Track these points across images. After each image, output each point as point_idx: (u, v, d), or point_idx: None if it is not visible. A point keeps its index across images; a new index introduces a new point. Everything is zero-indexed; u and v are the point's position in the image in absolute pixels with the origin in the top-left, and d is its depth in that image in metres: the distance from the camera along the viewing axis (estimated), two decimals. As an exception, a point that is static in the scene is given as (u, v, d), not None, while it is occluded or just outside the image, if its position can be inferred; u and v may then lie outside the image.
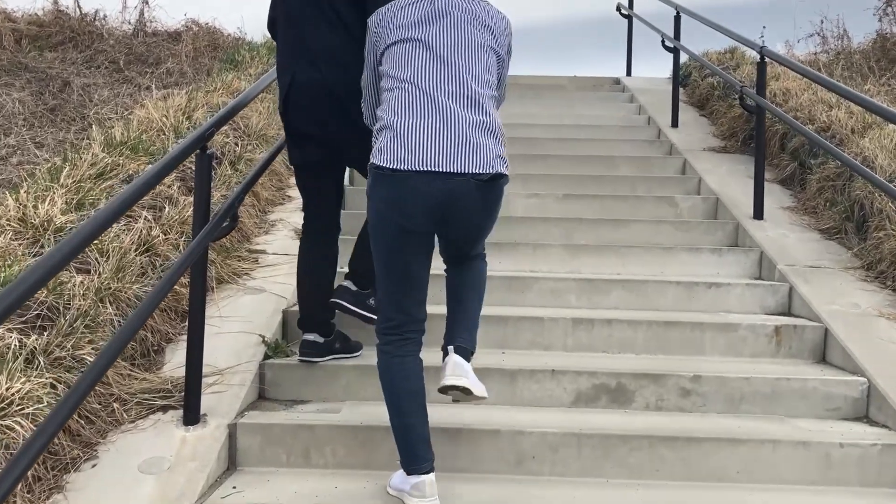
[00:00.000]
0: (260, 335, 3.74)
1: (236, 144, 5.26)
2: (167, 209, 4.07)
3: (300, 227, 4.94)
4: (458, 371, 2.78)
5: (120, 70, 6.88)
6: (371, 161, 2.71)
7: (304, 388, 3.57)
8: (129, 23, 7.93)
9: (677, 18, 7.52)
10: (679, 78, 7.74)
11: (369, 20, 2.92)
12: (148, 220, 3.94)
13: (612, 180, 6.17)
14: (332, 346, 3.62)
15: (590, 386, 3.55)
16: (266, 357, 3.66)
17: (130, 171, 4.29)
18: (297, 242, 4.83)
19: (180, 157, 3.02)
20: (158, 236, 3.84)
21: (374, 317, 2.98)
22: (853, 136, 5.46)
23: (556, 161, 6.57)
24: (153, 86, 6.39)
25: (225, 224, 3.26)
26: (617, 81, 9.49)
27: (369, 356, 3.60)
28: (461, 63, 2.75)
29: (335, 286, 3.63)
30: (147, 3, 7.91)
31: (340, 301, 3.55)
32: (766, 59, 5.36)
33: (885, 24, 8.26)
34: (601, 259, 4.89)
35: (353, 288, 3.60)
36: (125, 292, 3.44)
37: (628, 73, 9.99)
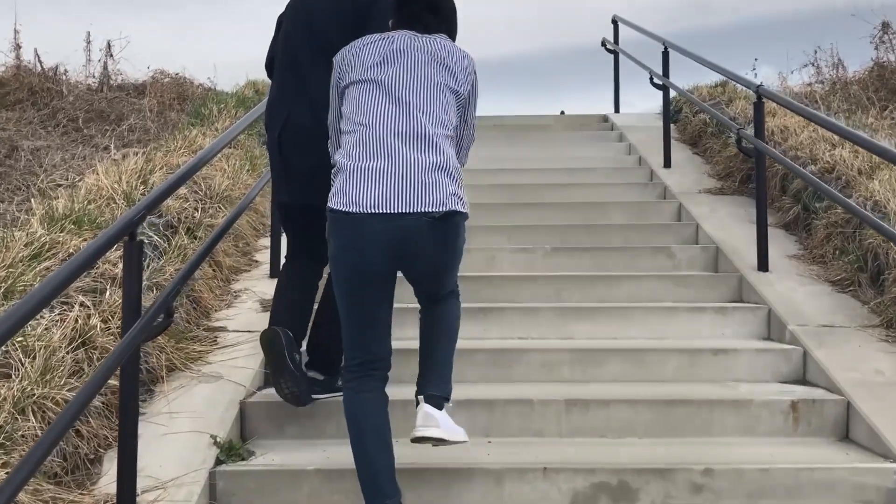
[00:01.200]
0: (212, 435, 3.30)
1: (196, 209, 4.86)
2: (109, 292, 3.65)
3: (267, 296, 4.57)
4: (430, 422, 2.80)
5: (79, 129, 6.49)
6: (328, 204, 2.73)
7: (260, 500, 3.13)
8: (94, 77, 7.59)
9: (665, 54, 7.19)
10: (670, 115, 7.38)
11: (334, 58, 2.96)
12: (85, 307, 3.51)
13: (603, 230, 5.77)
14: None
15: (588, 485, 3.12)
16: (218, 462, 3.21)
17: (72, 249, 3.88)
18: (264, 316, 4.46)
19: (103, 248, 2.61)
20: (96, 326, 3.42)
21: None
22: (860, 177, 5.09)
23: (543, 209, 6.19)
24: (112, 145, 6.01)
25: (158, 321, 2.83)
26: (605, 119, 9.15)
27: (336, 457, 3.18)
28: (416, 103, 2.79)
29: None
30: (111, 55, 7.56)
31: (314, 396, 3.48)
32: (764, 99, 4.98)
33: (882, 53, 7.95)
34: (595, 322, 4.48)
35: (320, 377, 3.55)
36: (53, 398, 3.01)
37: (616, 109, 9.66)
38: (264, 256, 5.08)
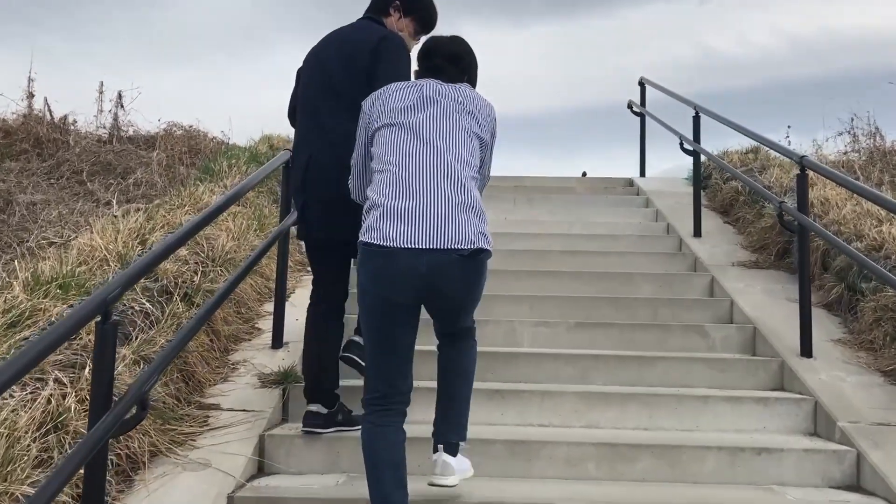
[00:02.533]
0: (192, 540, 2.93)
1: (195, 273, 4.54)
2: (88, 368, 3.31)
3: (267, 370, 4.22)
4: (447, 471, 3.01)
5: (82, 182, 6.24)
6: (360, 238, 2.86)
7: None
8: (105, 127, 7.37)
9: (696, 119, 6.89)
10: (700, 181, 7.04)
11: (363, 102, 3.14)
12: (61, 384, 3.17)
13: (630, 303, 5.40)
14: (335, 417, 3.71)
15: None
16: (197, 571, 2.84)
17: (54, 318, 3.55)
18: (262, 392, 4.11)
19: (70, 331, 2.28)
20: (71, 408, 3.07)
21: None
22: (912, 257, 4.70)
23: (566, 279, 5.83)
24: (114, 200, 5.74)
25: (130, 415, 2.49)
26: (630, 183, 8.83)
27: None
28: (445, 147, 2.94)
29: (344, 341, 3.79)
30: (122, 106, 7.35)
31: (351, 355, 3.76)
32: (807, 171, 4.64)
33: (922, 122, 7.58)
34: (624, 410, 4.08)
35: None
36: (12, 494, 2.65)
37: (642, 173, 9.34)
38: (267, 324, 4.75)
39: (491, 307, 5.13)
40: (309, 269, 5.94)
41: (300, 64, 3.94)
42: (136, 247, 4.56)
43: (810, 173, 4.80)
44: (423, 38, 3.46)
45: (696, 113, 6.88)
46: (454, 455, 3.04)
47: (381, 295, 2.84)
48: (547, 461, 3.63)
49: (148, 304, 3.98)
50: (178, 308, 4.09)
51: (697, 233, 6.70)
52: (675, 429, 4.03)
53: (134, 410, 2.50)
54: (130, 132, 7.56)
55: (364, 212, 2.94)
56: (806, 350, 4.50)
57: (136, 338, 3.77)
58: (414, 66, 3.35)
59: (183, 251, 4.72)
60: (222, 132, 7.67)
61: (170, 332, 3.91)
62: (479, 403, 3.79)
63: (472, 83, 3.25)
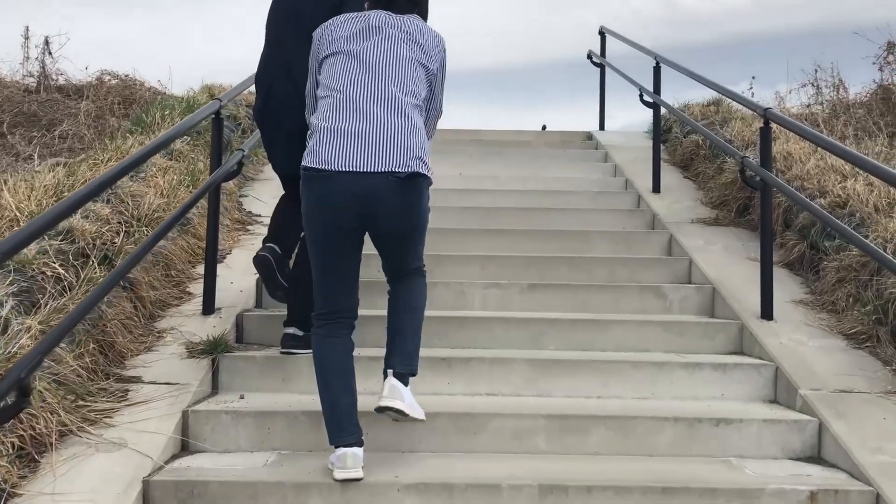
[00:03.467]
0: (99, 532, 2.65)
1: (118, 233, 4.19)
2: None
3: (197, 338, 3.93)
4: (395, 394, 2.98)
5: (2, 135, 5.79)
6: (302, 162, 2.93)
7: None
8: (33, 75, 6.86)
9: (657, 70, 6.61)
10: (660, 135, 6.79)
11: (314, 32, 3.19)
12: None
13: (587, 263, 5.16)
14: (284, 267, 3.89)
15: None
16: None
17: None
18: (189, 363, 3.82)
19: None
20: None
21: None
22: (878, 215, 4.51)
23: (521, 237, 5.57)
24: (36, 155, 5.32)
25: (5, 404, 2.18)
26: (589, 137, 8.56)
27: None
28: (388, 73, 2.99)
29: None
30: (49, 52, 6.84)
31: (291, 349, 3.80)
32: (772, 124, 4.40)
33: (887, 74, 7.41)
34: (576, 377, 3.86)
35: (300, 333, 3.79)
36: None
37: (601, 126, 9.07)
38: (200, 288, 4.41)
39: (441, 268, 4.87)
40: (248, 228, 5.63)
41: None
42: (53, 206, 4.18)
43: (774, 127, 4.57)
44: None
45: (657, 63, 6.60)
46: (404, 384, 3.04)
47: (323, 219, 2.91)
48: (494, 435, 3.39)
49: (61, 269, 3.64)
50: (94, 272, 3.75)
51: (656, 188, 6.47)
52: (630, 397, 3.82)
53: (13, 397, 2.19)
54: (61, 81, 7.08)
55: (308, 136, 3.01)
56: (766, 312, 4.31)
57: (46, 306, 3.43)
58: None
59: (105, 210, 4.36)
60: (159, 82, 7.23)
61: (82, 292, 3.57)
62: (425, 372, 3.53)
63: (423, 16, 3.28)
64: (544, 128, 12.93)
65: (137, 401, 3.41)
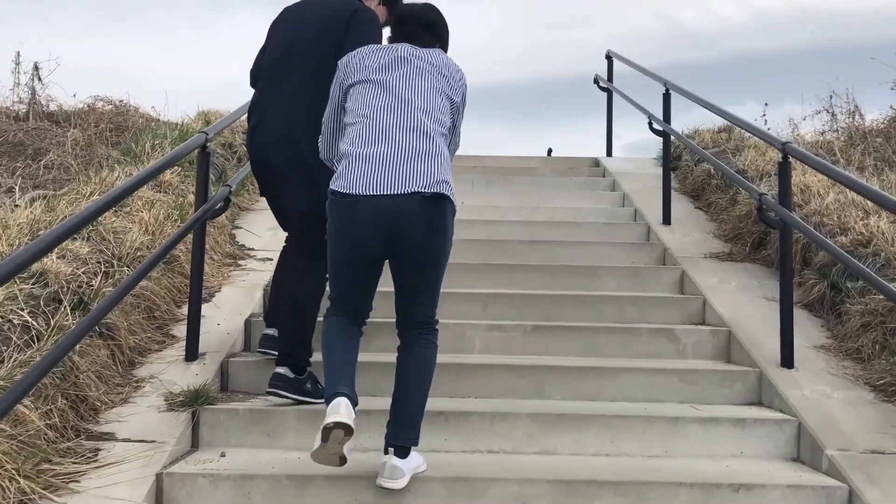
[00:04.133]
0: None
1: (95, 273, 3.95)
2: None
3: (178, 387, 3.68)
4: (396, 475, 3.01)
5: (-16, 165, 5.58)
6: (330, 186, 3.02)
7: None
8: (23, 102, 6.66)
9: (667, 97, 6.36)
10: (670, 165, 6.52)
11: (339, 61, 3.26)
12: None
13: (595, 301, 4.90)
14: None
15: None
16: None
17: None
18: (167, 417, 3.55)
19: None
20: None
21: (312, 400, 3.59)
22: (905, 256, 4.24)
23: (525, 273, 5.32)
24: (17, 187, 5.08)
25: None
26: (596, 163, 8.31)
27: None
28: (417, 102, 3.08)
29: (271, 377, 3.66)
30: (39, 78, 6.63)
31: (278, 391, 3.63)
32: (790, 159, 4.14)
33: (905, 100, 7.13)
34: (583, 432, 3.58)
35: (291, 375, 3.65)
36: None
37: (608, 152, 8.83)
38: (185, 330, 4.15)
39: (440, 306, 4.59)
40: (240, 263, 5.38)
41: (256, 36, 4.09)
42: (27, 244, 3.94)
43: (792, 160, 4.31)
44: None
45: (667, 90, 6.36)
46: (404, 458, 3.04)
47: (346, 243, 2.97)
48: (494, 502, 3.11)
49: (28, 317, 3.39)
50: (66, 319, 3.50)
51: (667, 220, 6.21)
52: (641, 454, 3.55)
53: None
54: (52, 107, 6.87)
55: (335, 162, 3.12)
56: (787, 360, 4.03)
57: (11, 359, 3.18)
58: (387, 32, 3.44)
59: (84, 248, 4.12)
60: (153, 108, 6.99)
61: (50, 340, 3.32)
62: (420, 429, 3.30)
63: (445, 49, 3.37)
64: (550, 152, 12.69)
65: (109, 462, 3.14)
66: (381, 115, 3.04)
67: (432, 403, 3.67)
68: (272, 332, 3.93)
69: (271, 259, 5.33)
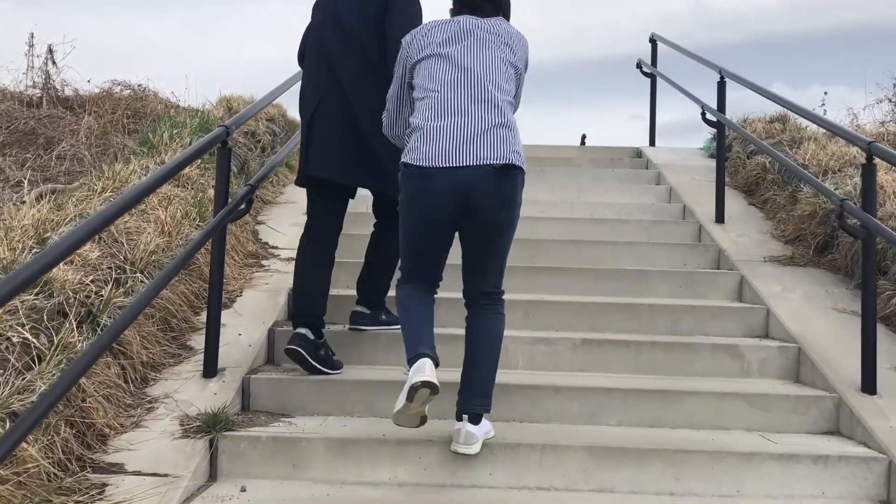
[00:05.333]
0: None
1: (106, 281, 3.60)
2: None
3: (194, 409, 3.34)
4: (471, 440, 3.10)
5: (-8, 156, 5.24)
6: (402, 159, 3.11)
7: None
8: (36, 87, 6.32)
9: (721, 85, 5.90)
10: (724, 158, 6.06)
11: (403, 39, 3.30)
12: None
13: (646, 311, 4.50)
14: (318, 350, 3.73)
15: None
16: None
17: None
18: (182, 444, 3.21)
19: None
20: None
21: (390, 328, 3.92)
22: None
23: (568, 277, 4.92)
24: (26, 180, 4.74)
25: None
26: (638, 153, 7.87)
27: None
28: (483, 73, 3.12)
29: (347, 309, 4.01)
30: (53, 61, 6.27)
31: (359, 326, 3.98)
32: (874, 159, 3.70)
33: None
34: (643, 468, 3.20)
35: (367, 311, 3.99)
36: None
37: (651, 142, 8.36)
38: (202, 340, 3.79)
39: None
40: (263, 263, 5.03)
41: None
42: (32, 246, 3.61)
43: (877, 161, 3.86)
44: None
45: (721, 77, 5.90)
46: (477, 424, 3.12)
47: (420, 214, 3.05)
48: (548, 553, 2.75)
49: (29, 335, 3.05)
50: (72, 336, 3.16)
51: (720, 218, 5.78)
52: (710, 494, 3.16)
53: None
54: (68, 92, 6.53)
55: (406, 135, 3.16)
56: (868, 385, 3.62)
57: (9, 385, 2.84)
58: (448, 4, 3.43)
59: (94, 253, 3.77)
60: (172, 93, 6.62)
61: (57, 372, 2.98)
62: (463, 458, 2.97)
63: (507, 18, 3.35)
64: (584, 138, 12.25)
65: (116, 500, 2.80)
66: (449, 89, 3.09)
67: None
68: (304, 331, 3.75)
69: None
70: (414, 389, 2.89)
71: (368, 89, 3.65)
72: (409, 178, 3.07)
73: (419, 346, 3.02)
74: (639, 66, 8.36)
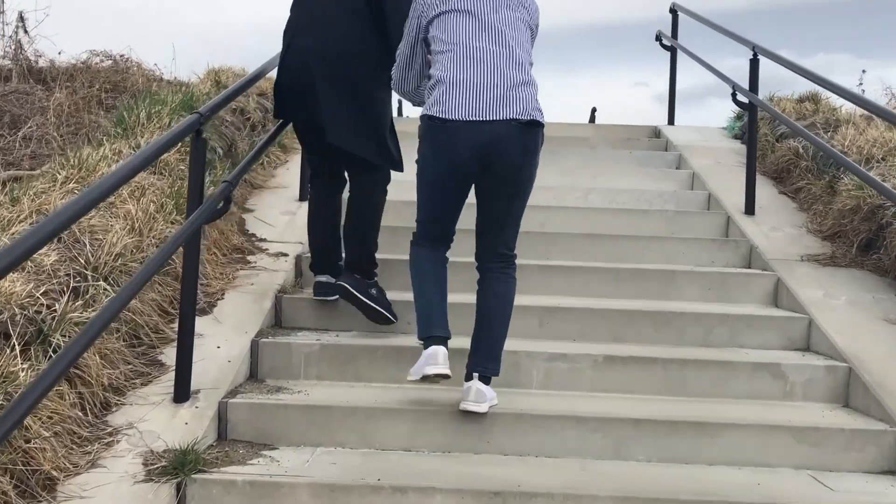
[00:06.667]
0: None
1: (62, 292, 3.13)
2: None
3: (160, 443, 2.89)
4: (480, 398, 3.11)
5: (-50, 138, 4.73)
6: (425, 112, 3.14)
7: None
8: (6, 58, 5.79)
9: (754, 63, 5.37)
10: (756, 143, 5.54)
11: None
12: None
13: (675, 319, 4.03)
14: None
15: None
16: None
17: None
18: (144, 489, 2.77)
19: None
20: None
21: (375, 307, 3.78)
22: None
23: (586, 277, 4.45)
24: (-16, 167, 4.25)
25: None
26: (656, 133, 7.35)
27: None
28: (507, 32, 3.17)
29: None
30: (25, 30, 5.73)
31: (345, 285, 3.76)
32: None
33: None
34: (680, 519, 2.75)
35: (358, 276, 3.80)
36: None
37: (671, 120, 7.83)
38: (174, 354, 3.31)
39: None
40: (249, 259, 4.55)
41: None
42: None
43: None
44: None
45: (755, 55, 5.36)
46: (487, 384, 3.15)
47: (442, 165, 3.08)
48: None
49: (-39, 364, 2.58)
50: (14, 364, 2.69)
51: (750, 209, 5.28)
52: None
53: None
54: (42, 64, 6.00)
55: (428, 88, 3.18)
56: (935, 415, 3.16)
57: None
58: None
59: (50, 256, 3.30)
60: (155, 65, 6.08)
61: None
62: None
63: None
64: (594, 112, 11.69)
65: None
66: (474, 43, 3.10)
67: (482, 472, 2.90)
68: (325, 278, 3.91)
69: (286, 255, 4.51)
70: (426, 378, 3.08)
71: (342, 26, 3.66)
72: (434, 131, 3.08)
73: (432, 326, 3.12)
74: (658, 38, 7.80)
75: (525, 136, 3.06)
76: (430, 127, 3.10)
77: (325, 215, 3.95)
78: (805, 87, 6.95)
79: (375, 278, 3.86)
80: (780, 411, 3.41)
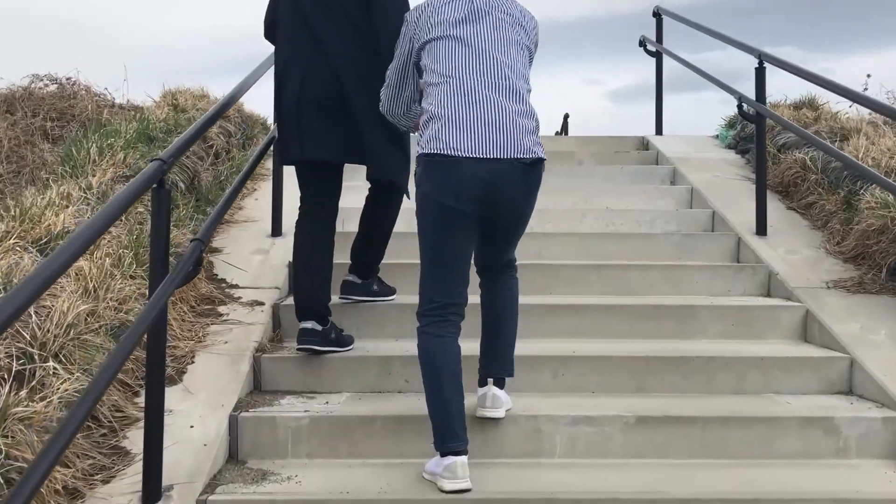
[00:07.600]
0: None
1: (4, 378, 2.61)
2: None
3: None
4: (497, 404, 3.10)
5: None
6: (422, 150, 2.93)
7: None
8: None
9: (760, 71, 4.98)
10: (765, 158, 5.15)
11: (407, 14, 3.17)
12: None
13: (703, 366, 3.62)
14: (329, 335, 3.59)
15: None
16: None
17: None
18: None
19: None
20: None
21: (382, 299, 3.93)
22: None
23: (597, 318, 4.04)
24: None
25: None
26: (645, 144, 6.96)
27: None
28: (501, 59, 2.99)
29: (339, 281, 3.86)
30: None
31: (349, 296, 3.89)
32: None
33: None
34: None
35: (358, 280, 3.91)
36: None
37: (658, 130, 7.45)
38: (141, 437, 2.80)
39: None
40: (220, 311, 4.06)
41: None
42: None
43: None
44: None
45: (760, 62, 4.98)
46: (502, 388, 3.13)
47: (445, 205, 2.88)
48: None
49: None
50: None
51: (761, 230, 4.91)
52: None
53: None
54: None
55: (422, 123, 3.01)
56: None
57: None
58: None
59: (-14, 335, 2.76)
60: (105, 89, 5.54)
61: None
62: None
63: None
64: (566, 118, 11.37)
65: None
66: (468, 75, 2.94)
67: None
68: (310, 325, 3.56)
69: (261, 304, 4.02)
70: (445, 493, 2.78)
71: (356, 59, 3.48)
72: (433, 168, 2.88)
73: (450, 438, 2.80)
74: (642, 43, 7.41)
75: (529, 175, 2.93)
76: (429, 164, 2.90)
77: (317, 261, 3.60)
78: (799, 91, 6.62)
79: (377, 274, 3.97)
80: (839, 475, 3.01)
